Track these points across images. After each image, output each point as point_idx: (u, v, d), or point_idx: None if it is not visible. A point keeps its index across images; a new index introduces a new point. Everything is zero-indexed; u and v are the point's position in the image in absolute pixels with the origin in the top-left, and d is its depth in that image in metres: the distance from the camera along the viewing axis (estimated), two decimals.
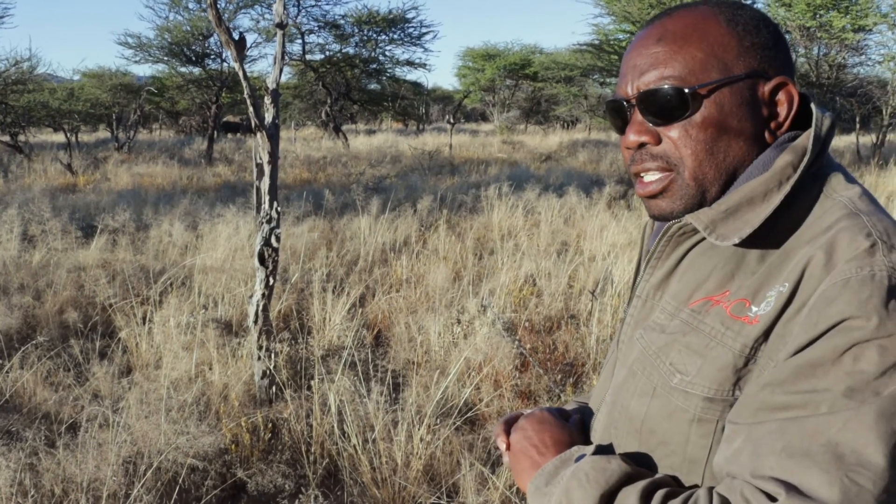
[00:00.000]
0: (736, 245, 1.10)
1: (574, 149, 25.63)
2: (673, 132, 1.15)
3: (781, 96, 1.16)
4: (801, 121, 1.19)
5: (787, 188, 1.08)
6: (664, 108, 1.14)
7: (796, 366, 0.96)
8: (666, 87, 1.13)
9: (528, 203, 11.45)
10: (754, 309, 1.05)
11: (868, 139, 25.46)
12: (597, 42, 22.01)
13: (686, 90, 1.12)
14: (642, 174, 1.21)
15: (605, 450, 1.18)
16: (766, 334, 1.03)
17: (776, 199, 1.08)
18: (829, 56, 22.35)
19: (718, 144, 1.14)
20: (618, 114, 1.23)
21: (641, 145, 1.19)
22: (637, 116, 1.19)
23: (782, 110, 1.17)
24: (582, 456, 1.13)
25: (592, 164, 20.55)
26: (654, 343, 1.17)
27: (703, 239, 1.17)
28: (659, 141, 1.17)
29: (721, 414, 1.06)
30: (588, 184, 14.58)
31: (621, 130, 1.24)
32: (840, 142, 30.20)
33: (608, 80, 24.21)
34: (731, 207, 1.11)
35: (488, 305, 6.16)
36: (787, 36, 21.21)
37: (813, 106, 1.16)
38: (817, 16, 20.33)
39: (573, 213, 11.14)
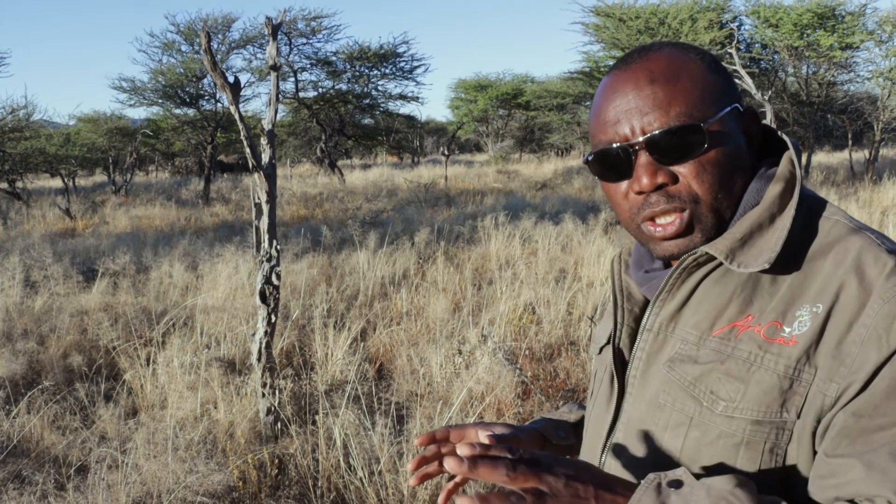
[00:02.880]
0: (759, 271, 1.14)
1: (569, 176, 25.75)
2: (687, 169, 1.16)
3: (754, 125, 1.24)
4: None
5: (792, 211, 1.13)
6: (681, 145, 1.15)
7: (885, 387, 1.00)
8: (683, 124, 1.14)
9: (525, 232, 11.53)
10: (787, 329, 1.08)
11: (861, 155, 25.59)
12: (587, 69, 22.21)
13: (703, 125, 1.14)
14: (656, 217, 1.20)
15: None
16: (808, 354, 1.06)
17: (787, 223, 1.12)
18: (818, 74, 22.53)
19: (729, 175, 1.18)
20: (614, 161, 1.21)
21: (658, 187, 1.17)
22: (644, 159, 1.17)
23: (756, 138, 1.25)
24: (676, 482, 1.02)
25: (588, 191, 20.64)
26: (688, 374, 1.16)
27: (715, 268, 1.19)
28: (675, 180, 1.17)
29: (767, 436, 1.08)
30: (584, 210, 14.66)
31: (617, 178, 1.22)
32: (833, 158, 30.37)
33: None
34: (745, 235, 1.14)
35: (489, 335, 6.21)
36: (775, 56, 21.35)
37: (783, 135, 1.24)
38: (804, 35, 20.50)
39: (570, 240, 11.20)
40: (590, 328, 6.59)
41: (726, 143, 1.17)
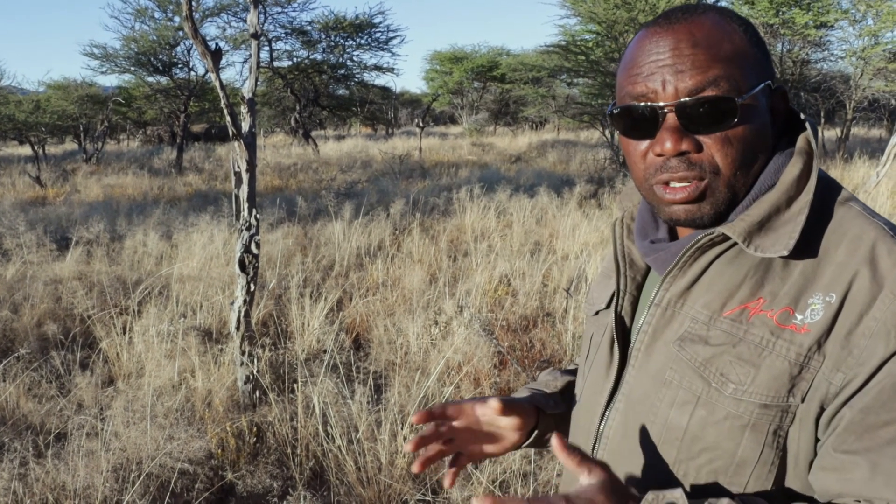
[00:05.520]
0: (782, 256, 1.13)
1: (543, 149, 25.78)
2: (712, 140, 1.14)
3: (781, 104, 1.23)
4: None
5: (809, 196, 1.13)
6: (711, 116, 1.12)
7: (892, 383, 1.02)
8: (716, 95, 1.12)
9: (500, 204, 11.55)
10: (799, 317, 1.09)
11: (833, 133, 25.80)
12: (563, 43, 22.10)
13: (737, 100, 1.11)
14: (672, 182, 1.18)
15: (699, 492, 1.16)
16: (819, 343, 1.07)
17: (805, 208, 1.12)
18: (792, 52, 22.64)
19: (752, 152, 1.16)
20: (639, 119, 1.18)
21: (680, 153, 1.15)
22: (671, 123, 1.15)
23: (780, 117, 1.23)
24: None
25: (562, 165, 20.69)
26: (698, 355, 1.16)
27: (729, 249, 1.18)
28: (699, 149, 1.15)
29: (773, 419, 1.10)
30: (559, 184, 14.70)
31: (640, 136, 1.20)
32: None
33: (576, 80, 24.31)
34: (763, 218, 1.14)
35: (465, 306, 6.25)
36: None
37: (802, 115, 1.23)
38: (780, 13, 20.57)
39: (545, 213, 11.25)
40: (565, 300, 6.65)
41: (754, 119, 1.15)
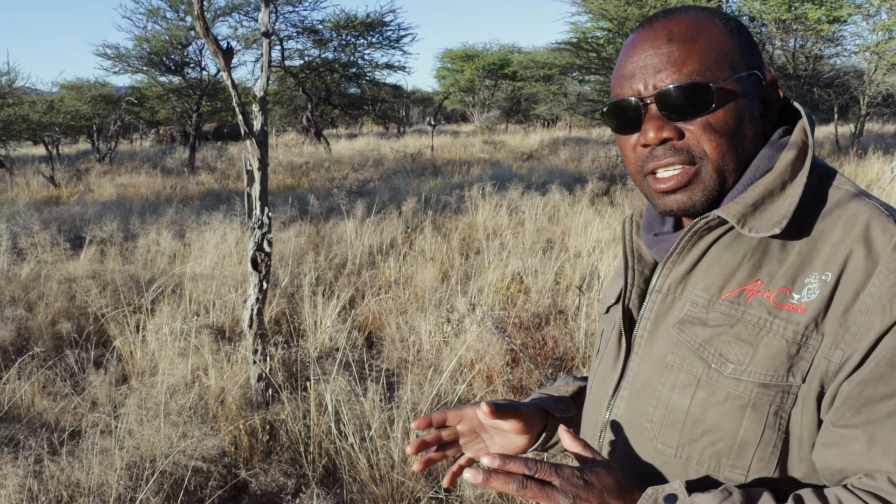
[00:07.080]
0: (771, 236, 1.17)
1: (555, 147, 25.73)
2: (695, 127, 1.19)
3: (773, 94, 1.26)
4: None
5: (803, 179, 1.16)
6: (689, 103, 1.17)
7: (889, 357, 1.04)
8: (692, 82, 1.17)
9: (512, 202, 11.54)
10: (796, 296, 1.11)
11: (846, 129, 25.67)
12: (574, 40, 22.04)
13: (712, 85, 1.16)
14: (658, 171, 1.23)
15: (694, 484, 1.17)
16: (816, 321, 1.09)
17: (798, 190, 1.15)
18: (805, 48, 22.53)
19: (737, 138, 1.20)
20: (625, 114, 1.24)
21: (664, 141, 1.21)
22: (653, 113, 1.20)
23: (774, 107, 1.27)
24: (672, 497, 1.10)
25: (574, 162, 20.65)
26: (697, 336, 1.19)
27: (726, 233, 1.22)
28: (681, 136, 1.20)
29: (773, 399, 1.11)
30: (570, 181, 14.68)
31: (629, 130, 1.26)
32: (818, 132, 30.42)
33: (587, 77, 24.26)
34: (757, 201, 1.17)
35: (477, 304, 6.25)
36: (762, 29, 21.28)
37: (797, 104, 1.26)
38: (792, 8, 20.46)
39: (557, 210, 11.23)
40: (577, 298, 6.64)
41: (736, 106, 1.20)
